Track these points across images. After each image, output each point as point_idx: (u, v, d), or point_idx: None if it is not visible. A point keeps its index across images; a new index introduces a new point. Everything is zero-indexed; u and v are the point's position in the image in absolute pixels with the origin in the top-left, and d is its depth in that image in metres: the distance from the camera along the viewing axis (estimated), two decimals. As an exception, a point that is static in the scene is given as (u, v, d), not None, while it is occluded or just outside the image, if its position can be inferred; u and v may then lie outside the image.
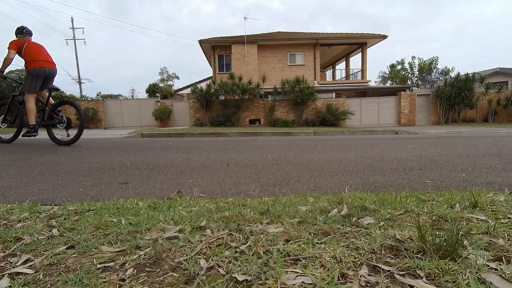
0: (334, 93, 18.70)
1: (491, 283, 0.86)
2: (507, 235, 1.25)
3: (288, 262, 1.05)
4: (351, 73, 24.00)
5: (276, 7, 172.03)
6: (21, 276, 1.00)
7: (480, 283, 0.87)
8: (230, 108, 16.50)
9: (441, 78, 23.84)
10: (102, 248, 1.19)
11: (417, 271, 0.97)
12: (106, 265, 1.06)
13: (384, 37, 20.87)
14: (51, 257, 1.13)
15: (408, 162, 3.95)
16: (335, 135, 11.47)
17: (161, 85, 42.37)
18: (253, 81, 16.67)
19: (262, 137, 10.37)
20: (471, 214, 1.55)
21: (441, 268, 0.96)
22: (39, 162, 4.19)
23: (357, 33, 21.71)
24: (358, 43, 21.35)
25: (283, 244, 1.18)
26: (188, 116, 17.54)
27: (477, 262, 0.99)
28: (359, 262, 1.04)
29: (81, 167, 3.82)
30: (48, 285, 0.94)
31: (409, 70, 33.16)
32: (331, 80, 25.56)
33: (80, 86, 29.90)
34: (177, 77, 53.29)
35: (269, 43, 20.65)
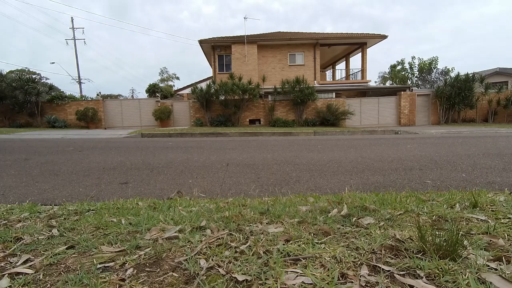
0: (334, 93, 18.67)
1: (491, 283, 0.86)
2: (507, 235, 1.25)
3: (288, 262, 1.04)
4: (351, 73, 23.98)
5: (276, 8, 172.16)
6: (21, 276, 1.00)
7: (480, 283, 0.87)
8: (230, 108, 16.49)
9: (441, 78, 23.84)
10: (102, 248, 1.19)
11: (417, 271, 0.97)
12: (106, 265, 1.06)
13: (384, 37, 20.88)
14: (51, 257, 1.13)
15: (408, 162, 3.95)
16: (335, 135, 11.47)
17: (161, 85, 42.32)
18: (253, 81, 16.65)
19: (262, 137, 10.36)
20: (471, 214, 1.55)
21: (441, 268, 0.96)
22: (39, 162, 4.19)
23: (357, 33, 21.72)
24: (358, 43, 21.34)
25: (283, 244, 1.18)
26: (188, 116, 17.53)
27: (477, 262, 0.99)
28: (359, 262, 1.04)
29: (81, 167, 3.82)
30: (48, 285, 0.94)
31: (409, 70, 33.23)
32: (331, 80, 25.53)
33: (80, 86, 29.82)
34: (177, 78, 53.21)
35: (269, 43, 20.64)
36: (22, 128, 14.84)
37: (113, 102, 18.59)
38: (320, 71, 22.28)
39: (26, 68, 38.43)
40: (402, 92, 17.67)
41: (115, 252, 1.16)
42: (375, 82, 39.38)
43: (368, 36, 21.00)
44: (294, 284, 0.90)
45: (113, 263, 1.07)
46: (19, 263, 1.09)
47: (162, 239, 1.28)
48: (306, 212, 1.65)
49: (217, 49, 20.88)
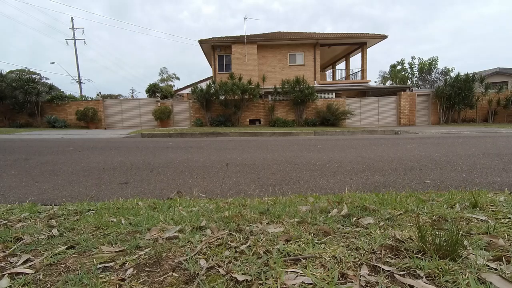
0: (334, 93, 18.66)
1: (491, 283, 0.86)
2: (507, 235, 1.25)
3: (288, 262, 1.04)
4: (351, 73, 23.98)
5: (276, 8, 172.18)
6: (21, 276, 1.00)
7: (480, 283, 0.87)
8: (230, 108, 16.49)
9: (441, 78, 23.85)
10: (102, 248, 1.19)
11: (417, 271, 0.97)
12: (106, 265, 1.06)
13: (384, 37, 20.89)
14: (51, 257, 1.13)
15: (408, 162, 3.95)
16: (335, 135, 11.47)
17: (161, 85, 42.32)
18: (253, 81, 16.65)
19: (262, 137, 10.36)
20: (471, 214, 1.55)
21: (441, 268, 0.96)
22: (39, 162, 4.19)
23: (357, 33, 21.73)
24: (358, 43, 21.34)
25: (283, 244, 1.18)
26: (188, 116, 17.53)
27: (477, 262, 0.99)
28: (359, 262, 1.04)
29: (81, 167, 3.82)
30: (48, 285, 0.94)
31: (409, 70, 33.28)
32: (331, 80, 25.54)
33: (80, 86, 29.83)
34: (177, 78, 53.21)
35: (269, 43, 20.65)
36: (22, 128, 14.84)
37: (113, 102, 18.58)
38: (320, 71, 22.28)
39: (26, 68, 38.47)
40: (402, 92, 17.67)
41: (115, 252, 1.16)
42: (375, 81, 39.43)
43: (368, 36, 21.00)
44: (294, 284, 0.90)
45: (113, 263, 1.07)
46: (19, 263, 1.09)
47: (162, 239, 1.28)
48: (306, 212, 1.65)
49: (217, 49, 20.88)
